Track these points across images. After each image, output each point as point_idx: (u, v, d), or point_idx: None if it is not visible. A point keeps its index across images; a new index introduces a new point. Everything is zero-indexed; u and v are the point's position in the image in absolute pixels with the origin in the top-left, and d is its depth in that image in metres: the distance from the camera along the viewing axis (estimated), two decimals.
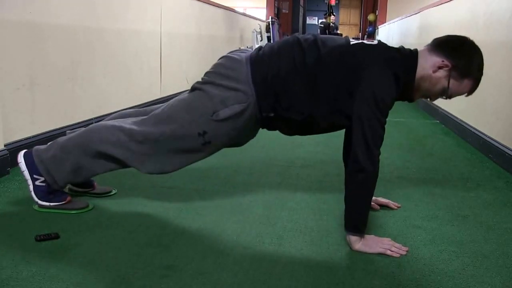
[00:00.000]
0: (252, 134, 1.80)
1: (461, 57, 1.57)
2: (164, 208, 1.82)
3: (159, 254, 1.45)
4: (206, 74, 1.70)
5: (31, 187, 1.71)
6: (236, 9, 8.25)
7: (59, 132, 2.49)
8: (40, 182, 1.70)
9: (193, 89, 1.69)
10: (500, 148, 2.61)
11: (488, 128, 2.89)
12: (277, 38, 9.69)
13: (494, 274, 1.41)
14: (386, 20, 12.81)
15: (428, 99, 1.69)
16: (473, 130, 3.12)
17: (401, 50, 1.64)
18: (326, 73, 1.59)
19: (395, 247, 1.52)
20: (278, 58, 1.63)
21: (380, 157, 1.53)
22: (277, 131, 1.77)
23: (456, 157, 2.80)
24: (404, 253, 1.51)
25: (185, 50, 4.85)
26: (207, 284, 1.29)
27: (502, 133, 2.66)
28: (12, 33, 2.21)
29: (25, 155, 1.71)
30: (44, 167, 1.69)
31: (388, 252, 1.50)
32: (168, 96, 4.26)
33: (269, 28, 9.72)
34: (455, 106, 3.66)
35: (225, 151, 1.88)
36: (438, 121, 4.11)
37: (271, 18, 10.17)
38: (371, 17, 17.63)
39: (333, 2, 20.16)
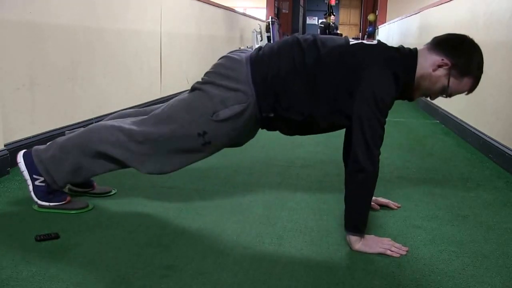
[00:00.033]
0: (252, 134, 1.80)
1: (461, 55, 1.57)
2: (164, 208, 1.82)
3: (159, 254, 1.45)
4: (206, 74, 1.70)
5: (30, 187, 1.71)
6: (236, 9, 8.26)
7: (59, 132, 2.49)
8: (40, 182, 1.70)
9: (193, 89, 1.69)
10: (500, 148, 2.61)
11: (488, 128, 2.89)
12: (277, 38, 9.69)
13: (494, 274, 1.41)
14: (386, 20, 12.82)
15: (429, 98, 1.69)
16: (473, 130, 3.12)
17: (400, 50, 1.64)
18: (326, 73, 1.59)
19: (395, 247, 1.52)
20: (278, 58, 1.63)
21: (380, 157, 1.53)
22: (277, 131, 1.77)
23: (456, 157, 2.80)
24: (404, 253, 1.51)
25: (185, 50, 4.85)
26: (207, 284, 1.29)
27: (502, 133, 2.66)
28: (12, 33, 2.21)
29: (24, 155, 1.71)
30: (44, 167, 1.68)
31: (388, 252, 1.50)
32: (168, 96, 4.26)
33: (269, 28, 9.72)
34: (455, 106, 3.66)
35: (225, 151, 1.88)
36: (438, 121, 4.11)
37: (271, 18, 10.17)
38: (371, 17, 17.63)
39: (333, 2, 20.15)
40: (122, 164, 1.70)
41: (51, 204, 1.73)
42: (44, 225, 1.62)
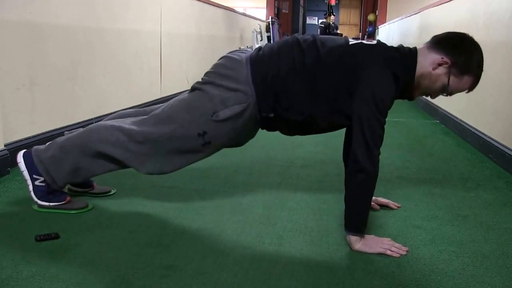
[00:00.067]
0: (252, 134, 1.80)
1: (461, 53, 1.57)
2: (164, 208, 1.82)
3: (159, 254, 1.45)
4: (206, 74, 1.70)
5: (30, 187, 1.71)
6: (236, 9, 8.26)
7: (59, 132, 2.49)
8: (40, 182, 1.70)
9: (193, 89, 1.69)
10: (500, 148, 2.61)
11: (488, 128, 2.89)
12: (277, 38, 9.69)
13: (494, 274, 1.41)
14: (386, 20, 12.81)
15: (429, 97, 1.69)
16: (473, 130, 3.12)
17: (400, 49, 1.64)
18: (326, 73, 1.59)
19: (395, 247, 1.52)
20: (278, 58, 1.63)
21: (380, 157, 1.53)
22: (277, 131, 1.77)
23: (456, 157, 2.80)
24: (404, 253, 1.51)
25: (185, 50, 4.85)
26: (207, 284, 1.29)
27: (502, 133, 2.66)
28: (12, 33, 2.21)
29: (24, 155, 1.71)
30: (43, 167, 1.68)
31: (388, 252, 1.50)
32: (168, 96, 4.26)
33: (269, 28, 9.72)
34: (455, 106, 3.66)
35: (225, 151, 1.88)
36: (438, 121, 4.11)
37: (271, 18, 10.17)
38: (371, 17, 17.62)
39: (333, 2, 20.15)
40: (122, 164, 1.70)
41: (51, 204, 1.73)
42: (44, 225, 1.62)
